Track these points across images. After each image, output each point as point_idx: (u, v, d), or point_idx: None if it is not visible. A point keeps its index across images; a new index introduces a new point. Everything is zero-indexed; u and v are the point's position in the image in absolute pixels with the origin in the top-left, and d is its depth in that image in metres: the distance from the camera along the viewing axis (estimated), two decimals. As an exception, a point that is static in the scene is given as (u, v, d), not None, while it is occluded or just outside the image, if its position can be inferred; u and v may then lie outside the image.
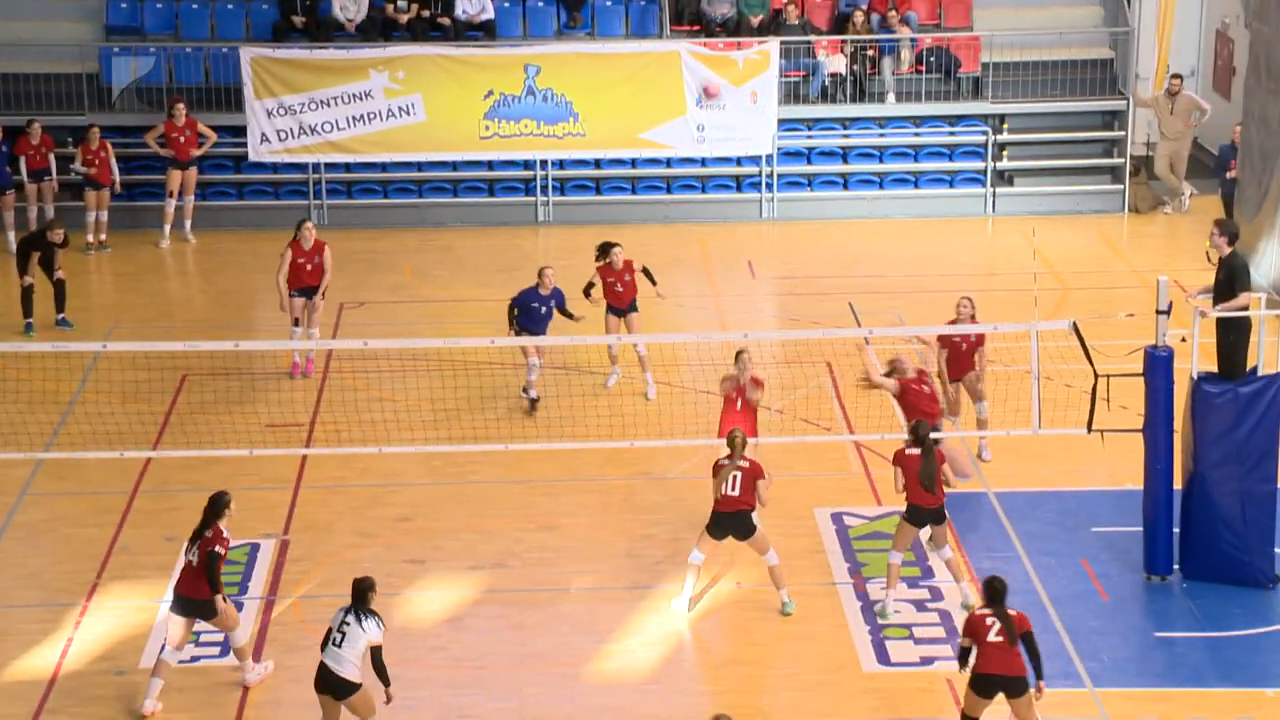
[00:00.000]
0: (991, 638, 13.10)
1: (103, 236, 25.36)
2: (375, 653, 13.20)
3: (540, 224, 26.87)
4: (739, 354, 16.93)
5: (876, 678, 14.80)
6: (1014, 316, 20.04)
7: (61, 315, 22.07)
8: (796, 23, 27.30)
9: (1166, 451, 16.00)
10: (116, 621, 15.50)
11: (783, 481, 17.14)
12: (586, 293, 20.28)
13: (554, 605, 15.83)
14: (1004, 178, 27.44)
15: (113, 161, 25.26)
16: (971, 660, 13.21)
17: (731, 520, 15.38)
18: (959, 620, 15.47)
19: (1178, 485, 16.18)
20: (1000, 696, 13.20)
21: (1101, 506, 17.56)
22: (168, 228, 25.57)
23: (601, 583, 16.20)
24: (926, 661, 14.98)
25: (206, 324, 22.51)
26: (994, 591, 13.20)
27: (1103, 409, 16.21)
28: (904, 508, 15.57)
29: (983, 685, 13.17)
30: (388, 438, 18.30)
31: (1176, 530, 16.19)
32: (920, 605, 15.83)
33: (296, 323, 20.42)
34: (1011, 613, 13.18)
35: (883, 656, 15.08)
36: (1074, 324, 16.28)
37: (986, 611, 13.18)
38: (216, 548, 14.07)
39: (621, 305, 20.14)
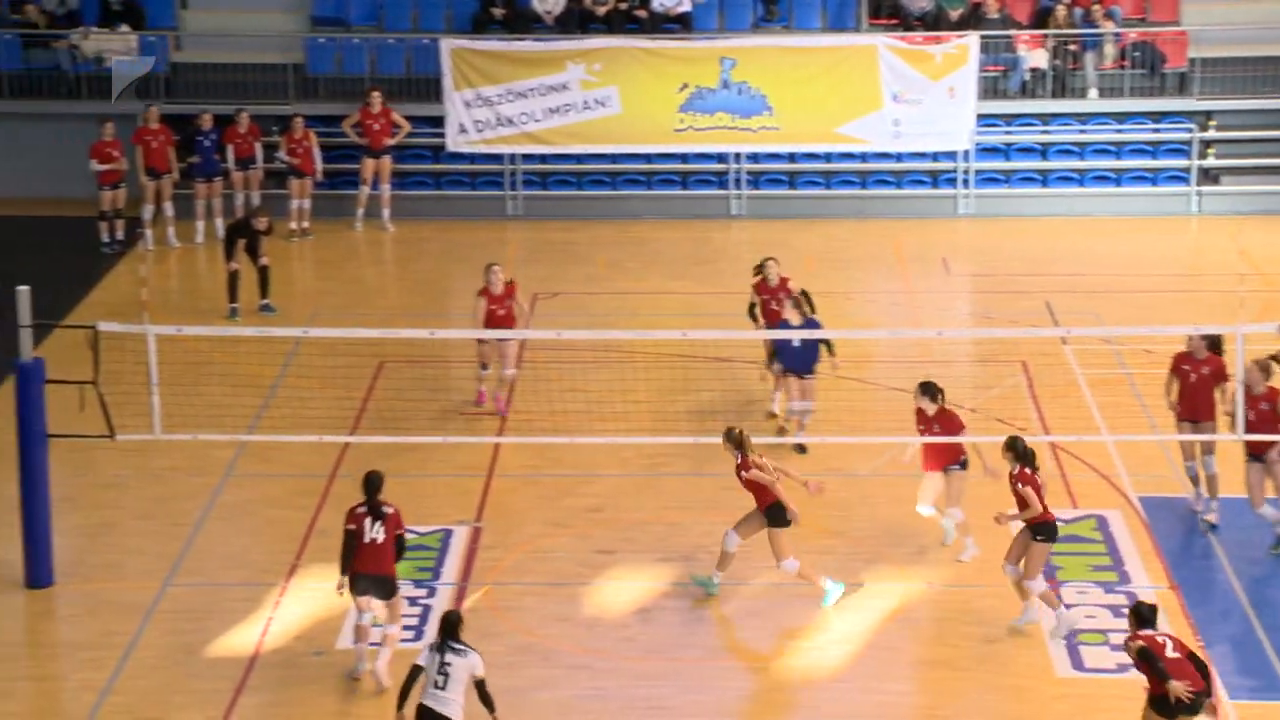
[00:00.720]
0: (1170, 653, 12.75)
1: (305, 224, 25.86)
2: (480, 685, 12.79)
3: (734, 218, 26.88)
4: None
5: (1070, 683, 14.60)
6: (1219, 318, 19.60)
7: (265, 301, 22.54)
8: (996, 16, 26.99)
9: (1378, 460, 15.56)
10: (314, 603, 15.82)
11: (977, 482, 16.97)
12: (751, 314, 19.47)
13: (743, 599, 15.83)
14: (1210, 176, 26.87)
15: (315, 150, 25.75)
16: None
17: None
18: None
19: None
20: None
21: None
22: (360, 212, 26.01)
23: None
24: (1122, 669, 14.73)
25: (403, 311, 22.87)
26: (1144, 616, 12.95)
27: (1311, 414, 15.81)
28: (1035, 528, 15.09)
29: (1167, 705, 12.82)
30: (580, 428, 18.43)
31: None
32: (1116, 610, 15.57)
33: (485, 365, 19.59)
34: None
35: (1077, 662, 14.87)
36: (1281, 326, 15.93)
37: (1151, 633, 12.87)
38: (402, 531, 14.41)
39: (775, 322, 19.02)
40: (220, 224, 25.14)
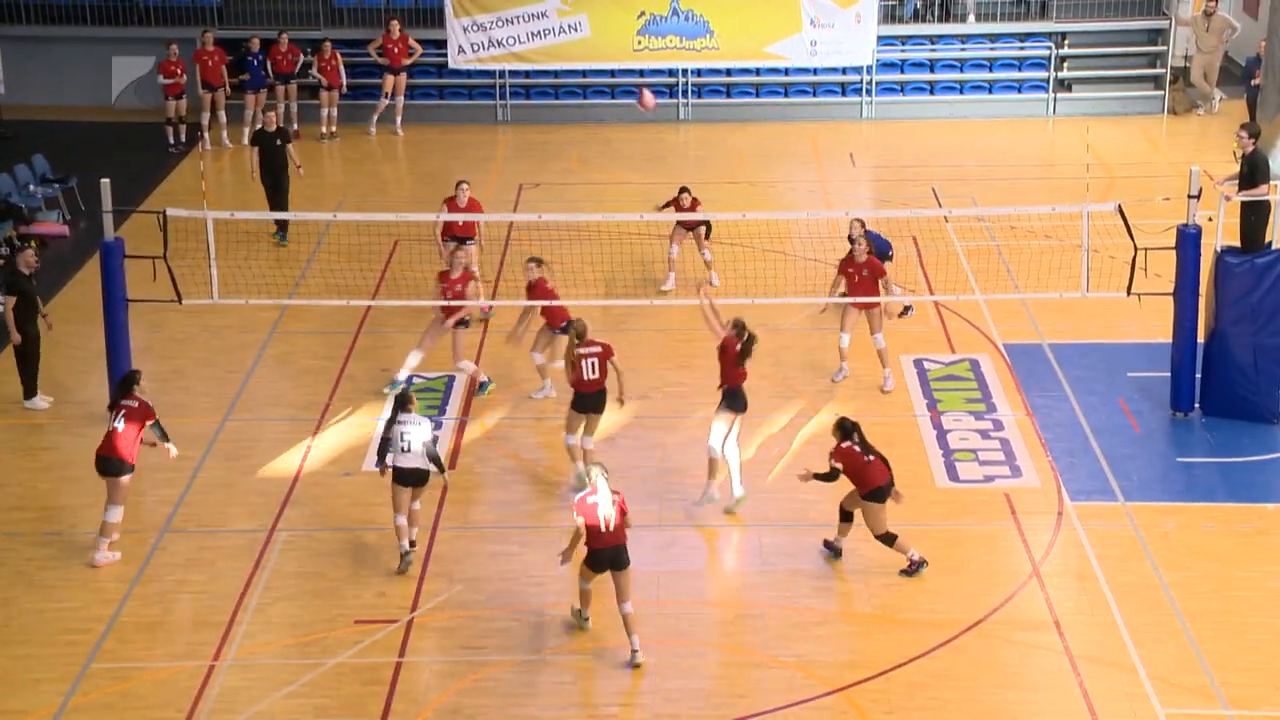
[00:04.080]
0: (867, 457, 13.02)
1: (333, 129, 25.50)
2: (432, 444, 13.18)
3: (681, 122, 26.59)
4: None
5: (947, 492, 14.73)
6: (1069, 200, 19.57)
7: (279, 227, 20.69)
8: (895, -45, 26.57)
9: (1193, 312, 15.67)
10: (344, 433, 15.81)
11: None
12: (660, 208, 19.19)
13: (688, 430, 15.86)
14: (1064, 85, 26.66)
15: (341, 68, 25.33)
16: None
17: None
18: (1015, 447, 15.35)
19: (1200, 339, 15.83)
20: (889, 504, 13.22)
21: (1137, 356, 17.23)
22: (375, 118, 25.63)
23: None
24: (988, 479, 14.87)
25: (414, 199, 22.63)
26: (846, 429, 13.11)
27: (1141, 276, 15.83)
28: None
29: (883, 495, 13.12)
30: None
31: (1198, 375, 15.87)
32: (984, 434, 15.69)
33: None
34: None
35: (952, 474, 14.98)
36: (1119, 206, 15.89)
37: (850, 444, 13.06)
38: None
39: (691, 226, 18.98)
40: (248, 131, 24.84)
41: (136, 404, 13.69)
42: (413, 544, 13.50)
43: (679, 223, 19.20)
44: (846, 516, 13.48)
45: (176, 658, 12.28)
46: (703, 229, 19.11)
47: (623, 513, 12.26)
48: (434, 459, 13.26)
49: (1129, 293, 16.01)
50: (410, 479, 13.30)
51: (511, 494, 14.76)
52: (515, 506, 14.56)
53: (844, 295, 16.60)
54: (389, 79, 25.51)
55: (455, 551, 13.74)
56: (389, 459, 13.26)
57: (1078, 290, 16.33)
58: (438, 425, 15.82)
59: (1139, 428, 15.79)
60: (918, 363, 17.27)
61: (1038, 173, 23.63)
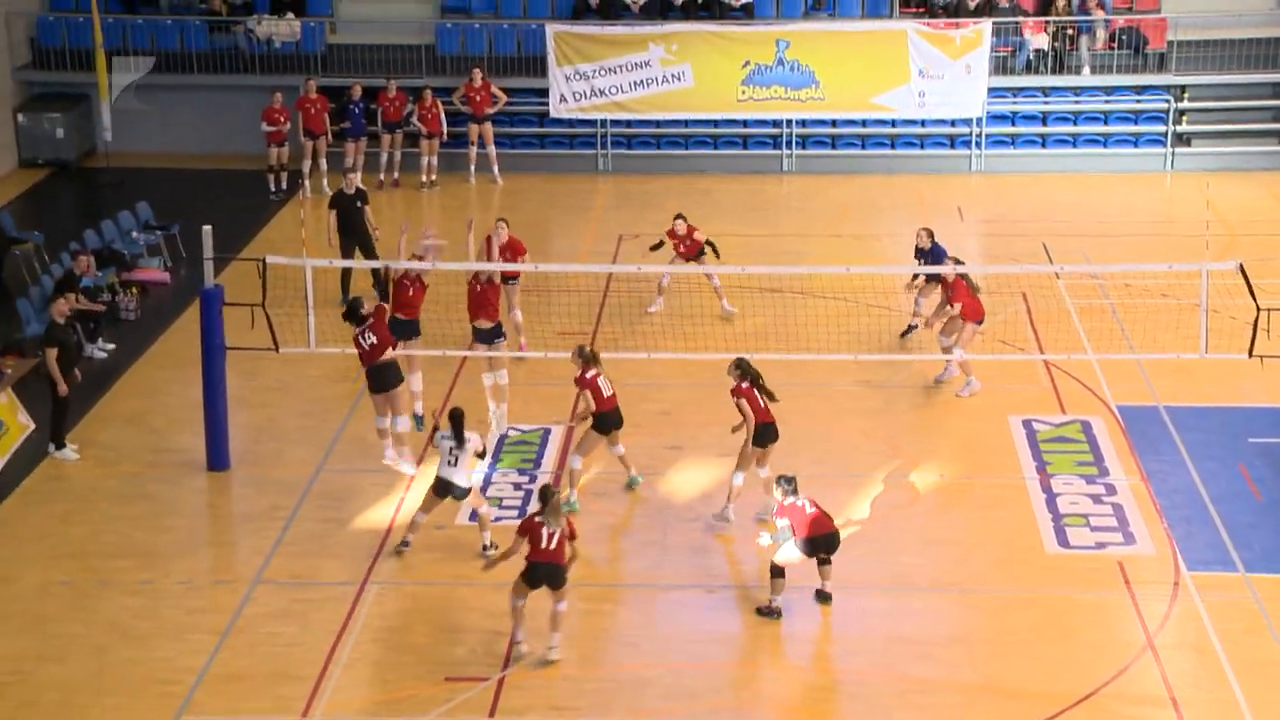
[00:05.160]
0: (808, 510, 13.27)
1: (433, 177, 25.83)
2: (481, 456, 14.36)
3: (784, 173, 26.61)
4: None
5: (1056, 559, 14.47)
6: (1188, 258, 19.24)
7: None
8: (1007, 5, 26.47)
9: (1318, 376, 15.29)
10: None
11: (984, 391, 16.77)
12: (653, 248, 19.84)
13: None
14: (1183, 139, 26.32)
15: (442, 116, 25.68)
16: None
17: None
18: (1129, 513, 15.07)
19: (1327, 405, 15.46)
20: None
21: (1259, 421, 16.88)
22: (473, 168, 25.89)
23: (825, 470, 16.09)
24: (1100, 546, 14.60)
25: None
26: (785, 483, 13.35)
27: (1263, 338, 15.52)
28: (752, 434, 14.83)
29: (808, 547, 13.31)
30: (654, 345, 18.36)
31: (1324, 444, 15.50)
32: (1096, 499, 15.42)
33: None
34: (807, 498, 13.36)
35: (1062, 540, 14.74)
36: (1240, 265, 15.61)
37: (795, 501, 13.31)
38: None
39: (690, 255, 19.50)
40: (357, 178, 25.17)
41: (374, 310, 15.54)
42: (488, 546, 14.33)
43: (678, 254, 19.61)
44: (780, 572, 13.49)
45: (265, 712, 12.38)
46: (708, 254, 19.53)
47: (570, 536, 12.74)
48: (480, 454, 14.33)
49: (1250, 354, 15.70)
50: (445, 491, 14.24)
51: (605, 550, 14.74)
52: (608, 564, 14.53)
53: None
54: (473, 128, 25.80)
55: (548, 608, 13.73)
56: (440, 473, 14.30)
57: (1196, 351, 16.04)
58: (531, 479, 15.85)
59: (1261, 496, 15.43)
60: (1027, 423, 17.04)
61: (1154, 229, 23.30)
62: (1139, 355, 17.81)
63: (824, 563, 13.61)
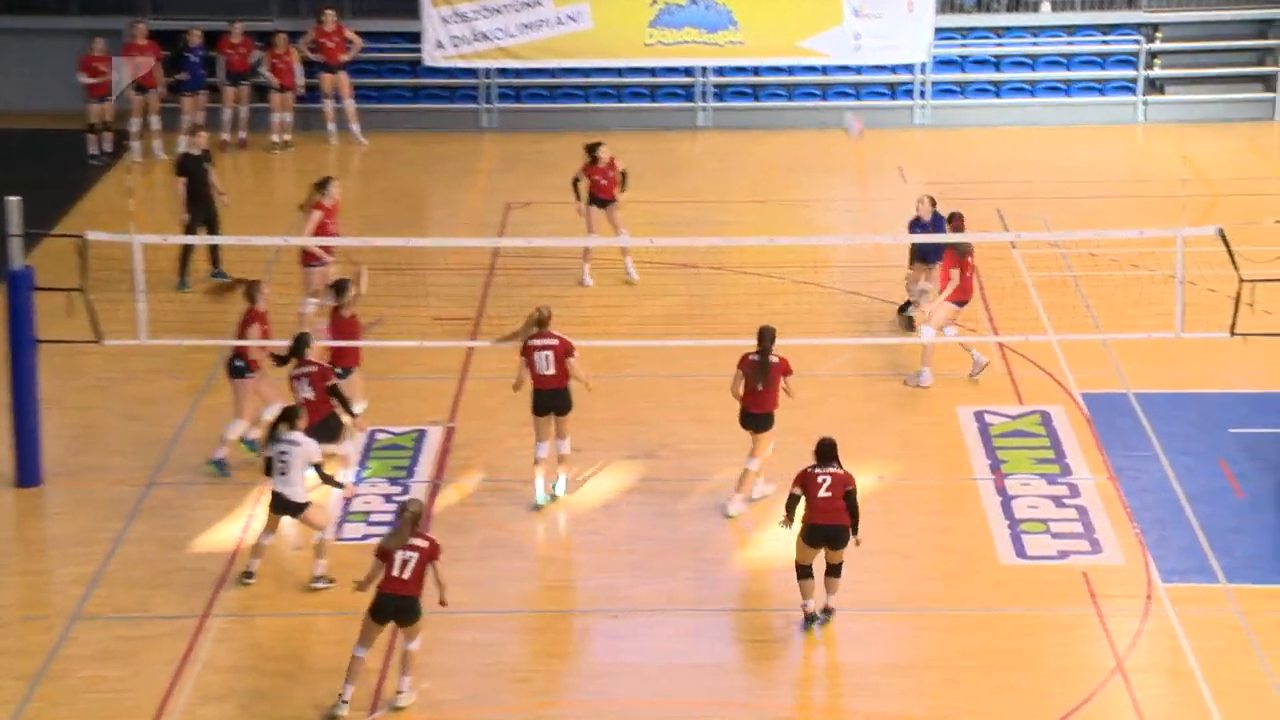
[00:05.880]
0: (822, 493, 13.35)
1: (286, 137, 25.63)
2: (318, 469, 14.07)
3: (699, 129, 26.68)
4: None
5: (1013, 570, 14.64)
6: (1161, 222, 19.57)
7: (217, 269, 20.59)
8: (953, -68, 26.73)
9: (1308, 356, 15.60)
10: (293, 499, 15.75)
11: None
12: (575, 187, 20.33)
13: (703, 494, 15.82)
14: (1156, 86, 26.72)
15: (297, 65, 25.47)
16: (800, 512, 13.50)
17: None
18: (1095, 517, 15.29)
19: (1319, 389, 15.78)
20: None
21: (1241, 408, 17.19)
22: (331, 126, 25.72)
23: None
24: (1063, 555, 14.79)
25: (381, 221, 22.67)
26: (825, 450, 13.55)
27: (1246, 313, 15.79)
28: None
29: (812, 535, 13.46)
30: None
31: (1316, 433, 15.82)
32: (1058, 501, 15.62)
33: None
34: (839, 471, 13.47)
35: (1020, 550, 14.90)
36: (1220, 230, 15.87)
37: (819, 470, 13.47)
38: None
39: (606, 197, 20.22)
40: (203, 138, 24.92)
41: (315, 367, 15.36)
42: (321, 578, 14.22)
43: (593, 198, 20.07)
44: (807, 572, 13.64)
45: (88, 769, 12.24)
46: (618, 201, 20.12)
47: (426, 559, 12.59)
48: (326, 479, 14.18)
49: (1232, 333, 15.96)
50: (282, 508, 14.02)
51: (492, 572, 14.71)
52: (496, 587, 14.50)
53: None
54: (326, 79, 25.60)
55: (425, 640, 13.67)
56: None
57: (1171, 330, 16.28)
58: (404, 489, 15.78)
59: (1244, 494, 15.71)
60: (979, 415, 17.22)
61: (1123, 190, 23.64)
62: (1106, 335, 18.05)
63: (831, 572, 13.65)
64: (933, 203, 18.50)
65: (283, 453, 13.97)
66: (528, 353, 15.45)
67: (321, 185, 19.21)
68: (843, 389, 17.81)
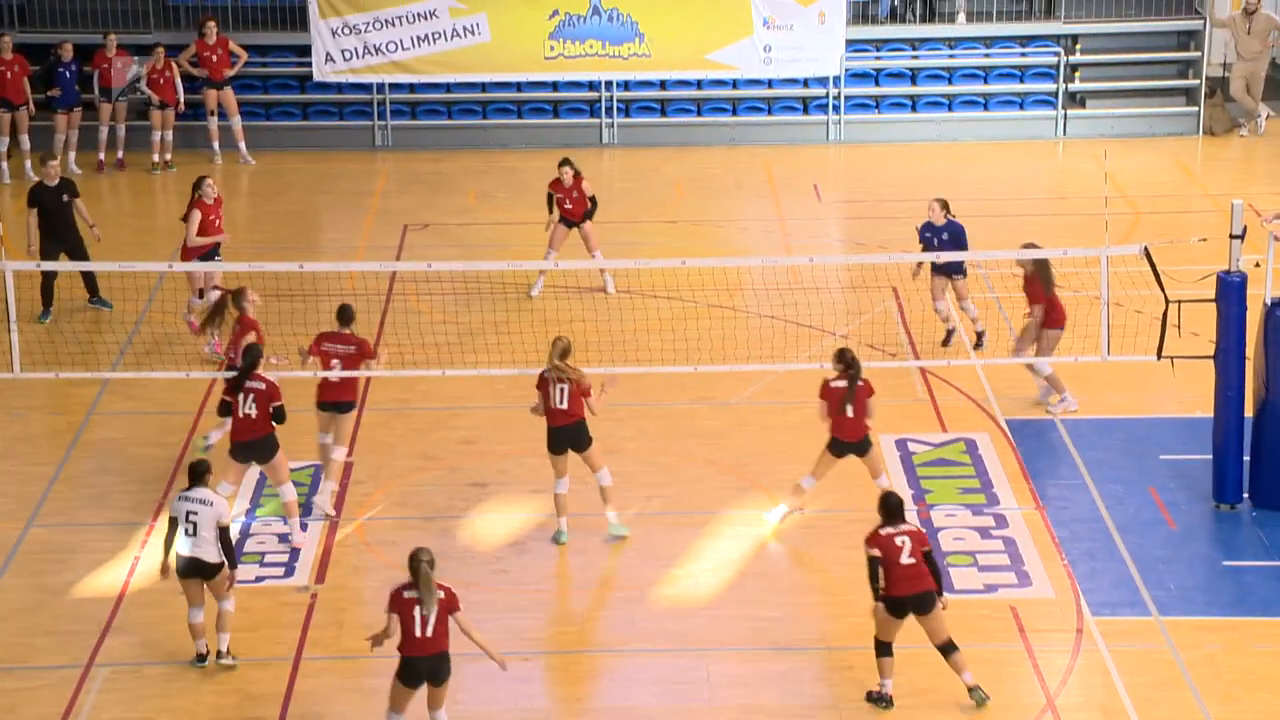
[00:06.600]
0: (904, 559, 13.02)
1: (168, 156, 25.47)
2: (224, 533, 13.57)
3: (605, 146, 26.79)
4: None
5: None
6: (1084, 241, 19.88)
7: (95, 297, 20.43)
8: (866, -59, 27.03)
9: (1238, 379, 15.87)
10: (182, 541, 15.63)
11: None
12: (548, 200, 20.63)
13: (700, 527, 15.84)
14: (1076, 100, 27.14)
15: (178, 81, 25.34)
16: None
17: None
18: (1023, 549, 15.46)
19: (1248, 413, 16.05)
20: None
21: (1171, 434, 17.45)
22: (216, 145, 25.63)
23: (665, 507, 16.23)
24: (990, 589, 14.96)
25: (271, 245, 22.58)
26: (895, 506, 13.14)
27: (1173, 335, 16.08)
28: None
29: (896, 607, 13.15)
30: (451, 360, 18.34)
31: (1246, 459, 16.07)
32: (984, 532, 15.80)
33: (202, 294, 19.35)
34: (912, 528, 13.16)
35: (945, 584, 15.02)
36: (1145, 249, 16.13)
37: (893, 530, 13.10)
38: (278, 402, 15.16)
39: (571, 218, 20.47)
40: (73, 158, 24.79)
41: (264, 384, 15.11)
42: (222, 653, 13.75)
43: (562, 219, 20.37)
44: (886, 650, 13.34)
45: (-36, 833, 12.08)
46: (587, 224, 20.39)
47: (447, 611, 12.34)
48: (226, 549, 13.57)
49: (1159, 356, 16.23)
50: (194, 571, 13.55)
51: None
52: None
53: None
54: (210, 94, 25.51)
55: (323, 688, 13.61)
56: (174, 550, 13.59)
57: (1096, 354, 16.52)
58: (303, 526, 15.70)
59: (1175, 524, 15.96)
60: (900, 444, 17.39)
61: (1045, 208, 23.98)
62: (1031, 359, 18.28)
63: (947, 650, 13.29)
64: (944, 207, 18.81)
65: (192, 512, 13.52)
66: (543, 385, 15.34)
67: (197, 185, 19.41)
68: (758, 418, 17.92)
